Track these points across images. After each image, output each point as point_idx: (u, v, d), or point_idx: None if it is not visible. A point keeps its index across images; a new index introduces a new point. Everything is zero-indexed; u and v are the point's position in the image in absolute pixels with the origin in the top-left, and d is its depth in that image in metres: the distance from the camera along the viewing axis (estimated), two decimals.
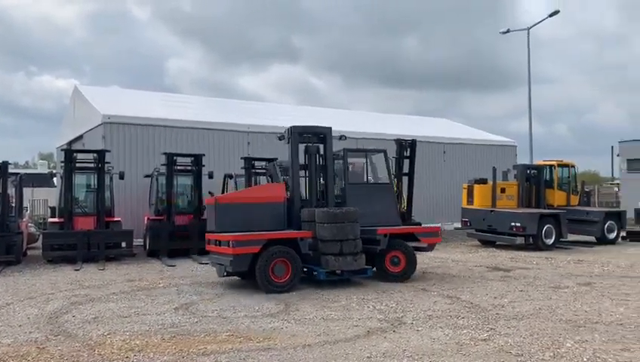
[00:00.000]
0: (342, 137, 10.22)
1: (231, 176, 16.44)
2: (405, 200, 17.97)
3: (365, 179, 11.38)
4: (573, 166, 19.22)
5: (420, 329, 6.40)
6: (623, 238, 17.93)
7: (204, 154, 14.97)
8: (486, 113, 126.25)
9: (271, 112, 25.80)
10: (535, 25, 24.27)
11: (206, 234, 9.82)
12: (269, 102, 36.39)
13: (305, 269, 9.33)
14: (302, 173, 10.19)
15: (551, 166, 18.51)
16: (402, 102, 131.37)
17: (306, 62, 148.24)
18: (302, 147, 10.02)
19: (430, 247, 10.82)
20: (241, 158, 15.82)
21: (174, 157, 14.48)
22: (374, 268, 9.98)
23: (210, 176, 15.14)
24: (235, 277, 9.96)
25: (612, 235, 17.13)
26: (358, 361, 5.22)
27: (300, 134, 9.88)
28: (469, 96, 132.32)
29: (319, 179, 10.11)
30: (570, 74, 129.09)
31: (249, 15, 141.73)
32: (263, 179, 16.11)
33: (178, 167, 14.72)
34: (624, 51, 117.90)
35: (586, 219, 17.09)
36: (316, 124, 10.33)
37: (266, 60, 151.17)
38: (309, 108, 31.42)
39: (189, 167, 14.92)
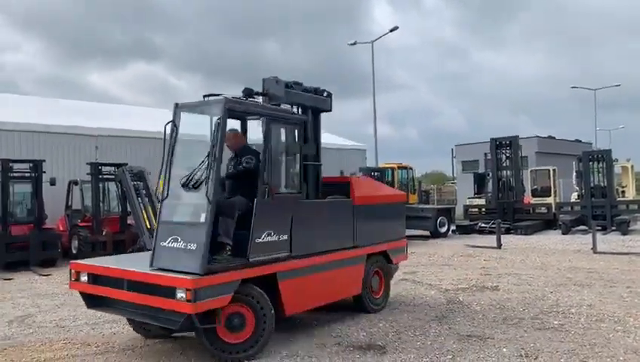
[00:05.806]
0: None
1: (76, 183, 15.72)
2: None
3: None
4: (411, 168, 21.61)
5: None
6: (454, 231, 20.28)
7: (44, 160, 14.09)
8: (345, 117, 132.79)
9: (123, 114, 24.94)
10: (378, 39, 26.34)
11: None
12: (122, 104, 34.85)
13: None
14: None
15: (392, 168, 20.51)
16: None
17: (165, 61, 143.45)
18: None
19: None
20: (87, 164, 15.21)
21: (10, 164, 13.51)
22: None
23: (52, 182, 14.31)
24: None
25: (443, 229, 19.27)
26: None
27: None
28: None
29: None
30: (418, 80, 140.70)
31: (98, 9, 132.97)
32: (112, 185, 15.67)
33: (14, 174, 13.75)
34: (463, 63, 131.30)
35: (421, 215, 19.02)
36: None
37: (121, 58, 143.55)
38: (165, 111, 30.77)
39: (28, 174, 14.00)
